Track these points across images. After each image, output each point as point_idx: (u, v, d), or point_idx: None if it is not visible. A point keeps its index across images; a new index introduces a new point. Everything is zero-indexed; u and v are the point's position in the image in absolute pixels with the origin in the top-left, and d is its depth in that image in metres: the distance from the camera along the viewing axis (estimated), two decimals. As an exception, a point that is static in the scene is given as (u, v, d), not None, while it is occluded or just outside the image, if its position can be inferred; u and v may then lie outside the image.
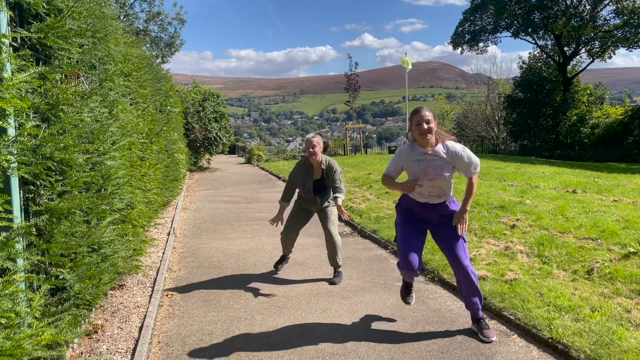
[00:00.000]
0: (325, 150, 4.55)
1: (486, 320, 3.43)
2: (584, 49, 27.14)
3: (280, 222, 4.64)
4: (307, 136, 4.50)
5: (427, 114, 3.16)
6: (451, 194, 3.43)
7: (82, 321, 3.21)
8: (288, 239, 4.76)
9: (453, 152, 3.23)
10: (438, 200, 3.37)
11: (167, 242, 6.15)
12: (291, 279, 4.71)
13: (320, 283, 4.58)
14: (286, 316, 3.77)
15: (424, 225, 3.46)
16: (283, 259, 4.98)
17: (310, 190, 4.53)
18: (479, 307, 3.37)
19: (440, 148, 3.23)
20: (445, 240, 3.35)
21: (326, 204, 4.62)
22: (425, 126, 3.13)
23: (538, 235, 5.21)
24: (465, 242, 3.37)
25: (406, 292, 3.67)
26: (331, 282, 4.57)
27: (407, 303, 3.66)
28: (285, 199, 4.65)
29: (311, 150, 4.38)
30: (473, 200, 7.22)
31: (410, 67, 22.54)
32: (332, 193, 4.60)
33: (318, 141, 4.42)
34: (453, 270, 3.41)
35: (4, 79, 2.07)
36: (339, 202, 4.45)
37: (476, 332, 3.38)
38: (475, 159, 3.30)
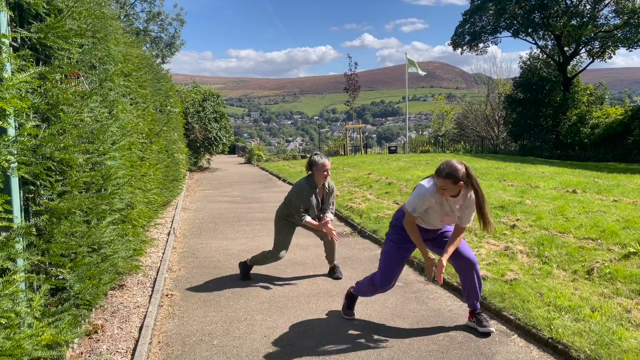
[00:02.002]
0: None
1: (484, 315, 3.49)
2: (584, 49, 27.13)
3: (323, 228, 4.55)
4: (317, 158, 4.42)
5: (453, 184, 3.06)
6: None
7: (82, 321, 3.21)
8: (276, 258, 4.58)
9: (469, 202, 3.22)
10: (438, 227, 3.46)
11: (167, 242, 6.15)
12: (291, 279, 4.71)
13: (320, 283, 4.58)
14: (286, 316, 3.77)
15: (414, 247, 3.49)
16: (249, 270, 4.76)
17: (318, 209, 4.57)
18: (479, 298, 3.49)
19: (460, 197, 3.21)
20: (443, 240, 3.44)
21: (331, 217, 4.69)
22: (443, 191, 3.10)
23: (538, 235, 5.21)
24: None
25: (350, 306, 3.73)
26: (335, 277, 4.69)
27: (350, 317, 3.68)
28: (302, 218, 4.51)
29: (325, 173, 4.42)
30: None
31: (422, 72, 22.54)
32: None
33: (329, 163, 4.46)
34: (459, 266, 3.42)
35: (4, 79, 2.07)
36: (328, 219, 4.54)
37: (473, 327, 3.45)
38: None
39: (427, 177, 3.27)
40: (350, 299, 3.75)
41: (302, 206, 4.46)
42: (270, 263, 4.72)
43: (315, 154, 4.49)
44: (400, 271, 3.49)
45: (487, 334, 3.36)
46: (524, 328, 3.36)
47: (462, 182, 3.05)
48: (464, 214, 3.25)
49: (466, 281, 3.43)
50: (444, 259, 3.25)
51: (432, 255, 3.37)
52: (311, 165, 4.46)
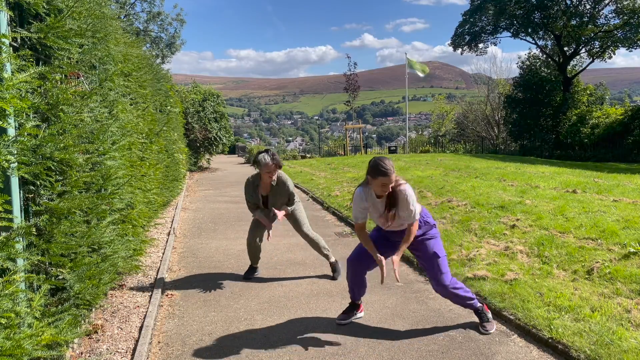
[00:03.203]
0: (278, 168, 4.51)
1: (485, 312, 3.49)
2: (584, 49, 27.13)
3: (268, 228, 4.61)
4: (260, 158, 4.39)
5: (391, 178, 3.11)
6: (419, 212, 3.35)
7: (82, 321, 3.21)
8: (253, 248, 4.70)
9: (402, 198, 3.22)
10: (403, 228, 3.39)
11: (167, 242, 6.15)
12: (291, 279, 4.71)
13: (320, 283, 4.58)
14: (286, 316, 3.77)
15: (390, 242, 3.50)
16: (252, 270, 4.85)
17: (263, 203, 4.63)
18: (471, 305, 3.48)
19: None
20: (422, 258, 3.43)
21: (290, 208, 4.63)
22: (389, 187, 3.15)
23: (538, 235, 5.21)
24: (439, 257, 3.34)
25: (347, 311, 3.70)
26: (332, 277, 4.72)
27: (341, 322, 3.64)
28: (250, 207, 4.63)
29: (269, 173, 4.38)
30: (473, 200, 7.22)
31: (421, 74, 22.53)
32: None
33: (271, 164, 4.39)
34: (436, 290, 3.44)
35: (4, 79, 2.07)
36: (282, 212, 4.53)
37: (478, 324, 3.48)
38: (417, 207, 3.27)
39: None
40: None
41: (250, 200, 4.56)
42: (251, 252, 4.75)
43: (262, 152, 4.44)
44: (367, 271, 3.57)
45: (487, 333, 3.39)
46: (524, 328, 3.36)
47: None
48: (399, 212, 3.25)
49: (447, 298, 3.48)
50: (396, 257, 3.28)
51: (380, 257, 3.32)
52: (255, 163, 4.55)
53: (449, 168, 12.14)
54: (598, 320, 3.27)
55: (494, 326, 3.45)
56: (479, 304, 3.50)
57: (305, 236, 4.74)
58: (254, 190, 4.56)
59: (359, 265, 3.55)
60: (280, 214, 4.52)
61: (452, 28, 31.52)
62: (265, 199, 4.61)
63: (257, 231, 4.71)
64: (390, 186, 3.14)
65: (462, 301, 3.45)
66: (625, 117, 21.24)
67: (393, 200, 3.22)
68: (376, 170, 3.11)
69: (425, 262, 3.40)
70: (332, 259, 4.81)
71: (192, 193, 11.49)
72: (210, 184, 13.53)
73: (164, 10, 28.43)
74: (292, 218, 4.72)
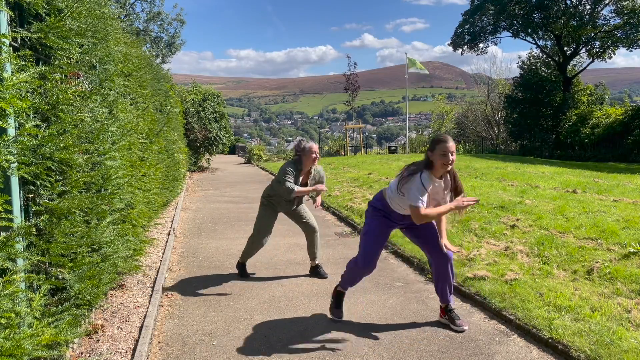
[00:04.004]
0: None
1: (456, 312, 3.55)
2: (584, 49, 27.15)
3: (314, 193, 4.61)
4: (304, 143, 4.47)
5: (452, 144, 3.15)
6: None
7: (82, 321, 3.21)
8: (259, 244, 4.64)
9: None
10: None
11: (167, 242, 6.15)
12: (291, 279, 4.71)
13: (320, 283, 4.58)
14: (286, 316, 3.77)
15: (394, 228, 3.55)
16: (244, 267, 4.84)
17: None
18: (451, 293, 3.55)
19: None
20: (427, 238, 3.46)
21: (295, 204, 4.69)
22: (451, 158, 3.13)
23: (538, 235, 5.21)
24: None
25: (338, 305, 3.71)
26: (321, 275, 4.73)
27: (339, 318, 3.65)
28: (293, 186, 4.47)
29: (314, 156, 4.44)
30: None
31: (425, 71, 22.55)
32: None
33: (317, 146, 4.51)
34: (433, 261, 3.50)
35: (4, 79, 2.07)
36: (323, 187, 4.55)
37: (446, 324, 3.51)
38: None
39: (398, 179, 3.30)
40: (338, 297, 3.73)
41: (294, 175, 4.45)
42: (255, 251, 4.73)
43: (301, 140, 4.55)
44: (380, 251, 3.50)
45: (461, 331, 3.42)
46: (524, 328, 3.36)
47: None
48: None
49: (440, 275, 3.48)
50: (445, 240, 3.45)
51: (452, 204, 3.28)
52: (297, 150, 4.50)
53: (449, 168, 12.12)
54: (598, 320, 3.27)
55: (466, 323, 3.52)
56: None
57: (311, 226, 4.66)
58: (297, 177, 4.50)
59: (374, 259, 3.47)
60: (322, 187, 4.53)
61: (452, 28, 31.56)
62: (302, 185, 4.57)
63: (269, 230, 4.65)
64: (454, 158, 3.12)
65: (451, 285, 3.52)
66: (625, 117, 21.24)
67: (453, 177, 3.27)
68: (435, 141, 3.15)
69: (432, 236, 3.44)
70: (318, 261, 4.81)
71: (192, 193, 11.49)
72: (210, 184, 13.53)
73: (164, 10, 28.46)
74: (296, 210, 4.68)
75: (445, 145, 3.08)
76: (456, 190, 3.27)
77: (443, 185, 3.27)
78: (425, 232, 3.47)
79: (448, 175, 3.28)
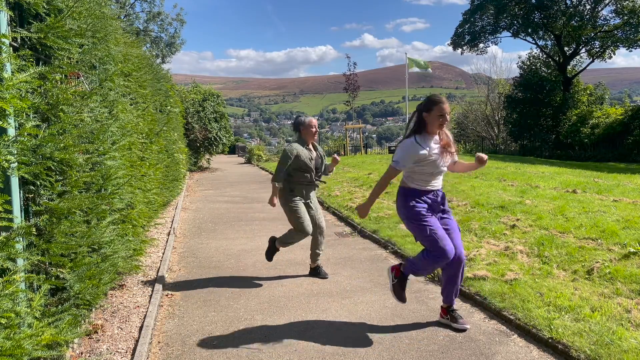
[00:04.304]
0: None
1: (458, 312, 3.55)
2: (584, 49, 27.16)
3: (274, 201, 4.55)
4: (302, 118, 4.58)
5: (447, 106, 3.28)
6: None
7: (82, 321, 3.21)
8: (307, 232, 4.50)
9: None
10: (440, 185, 3.46)
11: (167, 242, 6.15)
12: (291, 279, 4.70)
13: (320, 283, 4.58)
14: (286, 316, 3.77)
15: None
16: (274, 252, 4.82)
17: (313, 168, 4.54)
18: (457, 296, 3.55)
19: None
20: (449, 229, 3.42)
21: (312, 196, 4.67)
22: (448, 118, 3.28)
23: (538, 235, 5.21)
24: (459, 232, 3.52)
25: (402, 287, 3.54)
26: (322, 275, 4.72)
27: (404, 300, 3.57)
28: (280, 179, 4.47)
29: (314, 130, 4.52)
30: (473, 200, 7.22)
31: (429, 70, 22.54)
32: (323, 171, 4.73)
33: (316, 121, 4.61)
34: (448, 263, 3.40)
35: (4, 79, 2.07)
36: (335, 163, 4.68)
37: (447, 323, 3.50)
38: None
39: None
40: (401, 280, 3.52)
41: (301, 160, 4.41)
42: (298, 241, 4.63)
43: (299, 116, 4.65)
44: (448, 238, 3.31)
45: (463, 331, 3.41)
46: (524, 328, 3.36)
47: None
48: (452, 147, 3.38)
49: (448, 277, 3.44)
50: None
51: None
52: (298, 125, 4.55)
53: (449, 168, 12.13)
54: (598, 320, 3.27)
55: (467, 322, 3.52)
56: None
57: (321, 227, 4.63)
58: (309, 157, 4.47)
59: (449, 245, 3.30)
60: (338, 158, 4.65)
61: (453, 28, 31.55)
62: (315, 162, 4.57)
63: (307, 216, 4.53)
64: (448, 117, 3.26)
65: (458, 289, 3.50)
66: (625, 117, 21.24)
67: (446, 135, 3.35)
68: (430, 101, 3.27)
69: (453, 233, 3.41)
70: (319, 262, 4.80)
71: (192, 193, 11.49)
72: (210, 184, 13.53)
73: (164, 10, 28.47)
74: (310, 207, 4.64)
75: (442, 106, 3.23)
76: (447, 146, 3.36)
77: (439, 141, 3.35)
78: (451, 226, 3.43)
79: (441, 134, 3.37)
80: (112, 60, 3.96)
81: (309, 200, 4.62)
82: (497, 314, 3.66)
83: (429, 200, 3.37)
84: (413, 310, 3.86)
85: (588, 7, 25.50)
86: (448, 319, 3.52)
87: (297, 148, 4.45)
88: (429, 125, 3.27)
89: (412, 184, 3.37)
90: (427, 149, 3.26)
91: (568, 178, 9.30)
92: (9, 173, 2.20)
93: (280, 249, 4.86)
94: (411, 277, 4.71)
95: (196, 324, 3.65)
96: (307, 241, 6.06)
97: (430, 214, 3.34)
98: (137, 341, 3.29)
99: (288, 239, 4.61)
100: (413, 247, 5.29)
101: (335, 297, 4.18)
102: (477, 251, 4.97)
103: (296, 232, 4.52)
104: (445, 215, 3.46)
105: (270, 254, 4.81)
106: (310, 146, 4.59)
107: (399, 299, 3.53)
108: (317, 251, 4.72)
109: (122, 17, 24.67)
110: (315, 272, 4.77)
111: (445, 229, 3.38)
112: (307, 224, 4.47)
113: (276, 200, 4.50)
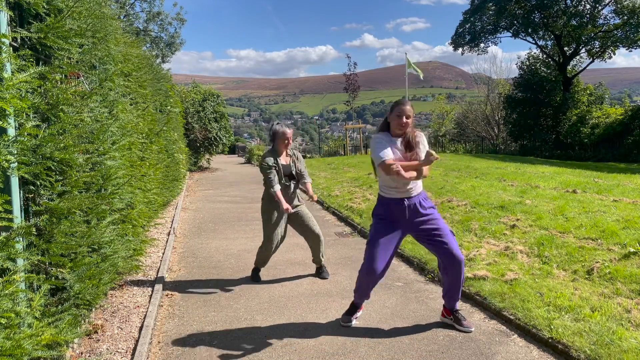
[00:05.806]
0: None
1: (462, 313, 3.54)
2: (584, 48, 27.14)
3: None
4: (277, 128, 4.53)
5: (408, 108, 3.34)
6: (421, 187, 3.47)
7: (82, 321, 3.21)
8: (276, 247, 4.57)
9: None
10: (414, 192, 3.37)
11: (167, 242, 6.15)
12: (291, 279, 4.71)
13: (320, 283, 4.58)
14: (286, 316, 3.77)
15: (403, 233, 3.44)
16: (258, 272, 4.77)
17: (286, 174, 4.54)
18: (458, 299, 3.52)
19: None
20: (433, 235, 3.33)
21: (297, 203, 4.61)
22: (405, 120, 3.31)
23: (538, 235, 5.21)
24: (453, 234, 3.43)
25: (350, 311, 3.61)
26: (322, 276, 4.70)
27: (349, 323, 3.56)
28: (275, 183, 4.44)
29: (287, 142, 4.50)
30: (473, 200, 7.22)
31: (420, 73, 22.53)
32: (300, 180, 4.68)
33: (290, 132, 4.56)
34: (443, 262, 3.37)
35: (4, 79, 2.07)
36: (309, 185, 4.66)
37: (450, 324, 3.50)
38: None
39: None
40: (352, 307, 3.65)
41: (271, 171, 4.41)
42: (268, 258, 4.64)
43: (277, 124, 4.62)
44: (389, 259, 3.36)
45: (468, 332, 3.40)
46: (524, 328, 3.36)
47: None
48: (419, 153, 3.36)
49: (450, 280, 3.40)
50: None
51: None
52: (274, 134, 4.54)
53: (449, 168, 12.14)
54: (598, 320, 3.27)
55: (472, 323, 3.51)
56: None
57: (314, 233, 4.59)
58: (276, 160, 4.49)
59: (381, 266, 3.35)
60: (309, 186, 4.64)
61: (453, 28, 31.54)
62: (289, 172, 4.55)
63: (282, 223, 4.54)
64: (408, 121, 3.31)
65: (459, 291, 3.47)
66: (625, 117, 21.24)
67: (412, 142, 3.35)
68: (394, 104, 3.39)
69: (445, 237, 3.33)
70: (323, 262, 4.79)
71: (192, 193, 11.49)
72: (210, 184, 13.53)
73: (163, 10, 28.42)
74: (297, 214, 4.58)
75: (401, 107, 3.31)
76: (409, 146, 3.34)
77: (404, 148, 3.34)
78: (432, 231, 3.36)
79: (410, 138, 3.35)
80: (112, 60, 3.96)
81: (296, 210, 4.57)
82: (497, 314, 3.66)
83: (394, 210, 3.35)
84: (413, 310, 3.86)
85: (588, 6, 25.50)
86: (451, 319, 3.50)
87: (269, 161, 4.45)
88: (391, 126, 3.36)
89: (380, 192, 3.45)
90: (389, 146, 3.29)
91: (568, 178, 9.30)
92: (9, 173, 2.20)
93: (267, 262, 4.75)
94: (412, 277, 4.72)
95: (196, 324, 3.65)
96: (304, 241, 6.07)
97: (387, 225, 3.36)
98: (137, 341, 3.29)
99: (262, 256, 4.63)
100: (413, 247, 5.29)
101: (335, 297, 4.18)
102: (477, 251, 4.97)
103: (263, 244, 4.56)
104: (427, 225, 3.34)
105: (255, 274, 4.74)
106: (284, 154, 4.57)
107: (343, 322, 3.59)
108: (319, 255, 4.70)
109: (122, 17, 24.67)
110: (318, 272, 4.78)
111: (436, 234, 3.34)
112: (273, 236, 4.50)
113: (287, 205, 4.41)
